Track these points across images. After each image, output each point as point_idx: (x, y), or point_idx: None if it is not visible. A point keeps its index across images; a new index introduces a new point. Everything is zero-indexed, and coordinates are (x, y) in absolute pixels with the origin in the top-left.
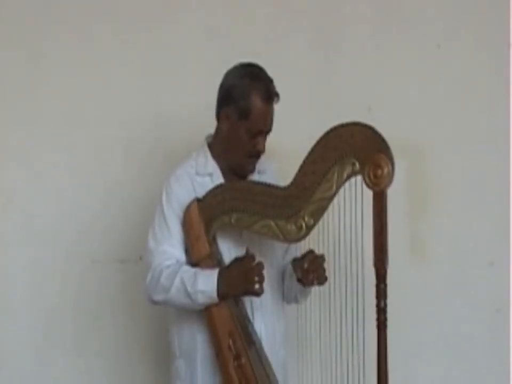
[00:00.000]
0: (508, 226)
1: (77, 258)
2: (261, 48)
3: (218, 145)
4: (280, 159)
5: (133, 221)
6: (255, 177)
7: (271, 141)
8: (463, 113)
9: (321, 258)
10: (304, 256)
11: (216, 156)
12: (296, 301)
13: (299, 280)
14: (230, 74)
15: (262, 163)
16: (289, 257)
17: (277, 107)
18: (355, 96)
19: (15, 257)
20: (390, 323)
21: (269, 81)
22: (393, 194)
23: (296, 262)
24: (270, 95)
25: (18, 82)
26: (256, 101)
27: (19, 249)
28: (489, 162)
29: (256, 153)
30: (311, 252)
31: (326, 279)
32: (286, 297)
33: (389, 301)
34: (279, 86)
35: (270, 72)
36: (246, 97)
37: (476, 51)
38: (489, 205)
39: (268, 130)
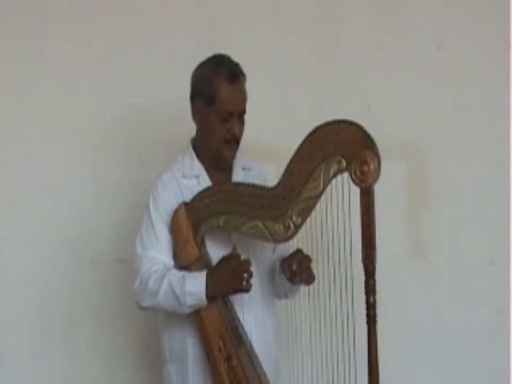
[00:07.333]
0: (508, 226)
1: (75, 258)
2: (260, 48)
3: (199, 143)
4: (280, 159)
5: (133, 221)
6: (240, 173)
7: (271, 141)
8: (463, 113)
9: (307, 259)
10: (292, 255)
11: (201, 156)
12: (286, 297)
13: (288, 279)
14: (195, 70)
15: (247, 161)
16: (278, 253)
17: (277, 107)
18: (355, 96)
19: (14, 257)
20: (389, 323)
21: (232, 64)
22: (393, 194)
23: (285, 261)
24: (234, 75)
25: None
26: (220, 84)
27: (18, 249)
28: (489, 162)
29: (232, 137)
30: (299, 251)
31: (314, 279)
32: (276, 293)
33: (388, 301)
34: (278, 85)
35: (270, 72)
36: (209, 84)
37: (476, 51)
38: (489, 205)
39: (241, 112)
